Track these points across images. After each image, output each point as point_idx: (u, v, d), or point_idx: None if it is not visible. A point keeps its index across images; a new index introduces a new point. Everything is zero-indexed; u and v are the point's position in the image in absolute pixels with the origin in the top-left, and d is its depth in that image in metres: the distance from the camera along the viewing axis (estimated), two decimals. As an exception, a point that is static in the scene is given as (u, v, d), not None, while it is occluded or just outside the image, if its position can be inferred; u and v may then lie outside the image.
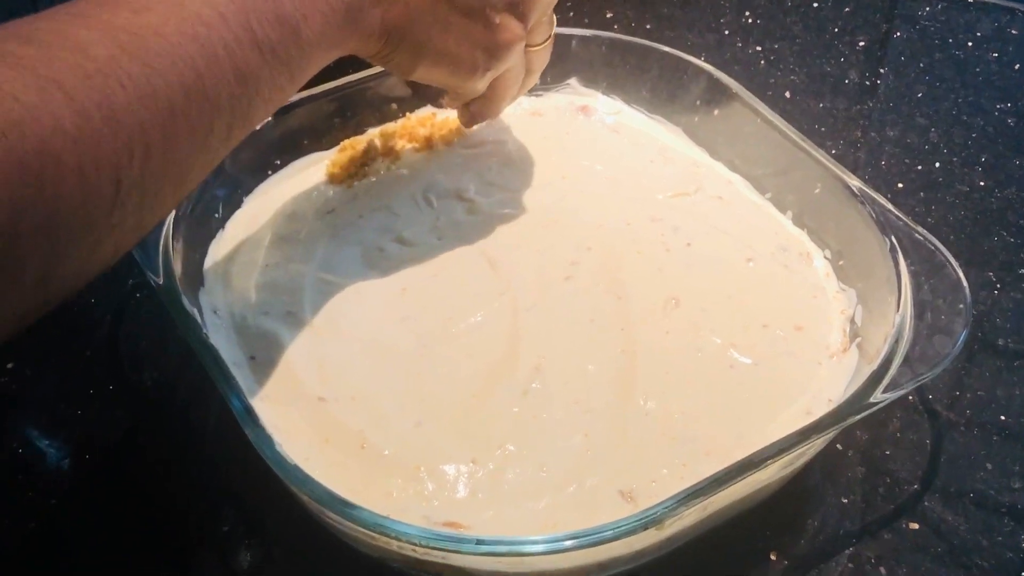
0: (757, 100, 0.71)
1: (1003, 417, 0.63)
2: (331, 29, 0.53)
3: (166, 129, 0.43)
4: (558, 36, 0.78)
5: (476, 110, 0.69)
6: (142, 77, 0.42)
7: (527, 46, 0.66)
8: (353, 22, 0.54)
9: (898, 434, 0.63)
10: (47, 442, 0.62)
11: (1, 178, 0.36)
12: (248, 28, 0.47)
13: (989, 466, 0.61)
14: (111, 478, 0.60)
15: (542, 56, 0.69)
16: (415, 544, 0.48)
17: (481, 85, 0.65)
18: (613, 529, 0.47)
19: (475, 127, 0.74)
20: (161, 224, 0.61)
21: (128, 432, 0.63)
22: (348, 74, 0.73)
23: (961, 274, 0.58)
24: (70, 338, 0.68)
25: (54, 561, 0.57)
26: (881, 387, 0.53)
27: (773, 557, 0.57)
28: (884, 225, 0.62)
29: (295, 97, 0.71)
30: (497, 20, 0.61)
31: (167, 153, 0.44)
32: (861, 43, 0.92)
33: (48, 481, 0.60)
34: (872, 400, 0.53)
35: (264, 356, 0.60)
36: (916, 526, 0.58)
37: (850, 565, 0.56)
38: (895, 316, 0.57)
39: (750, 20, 0.95)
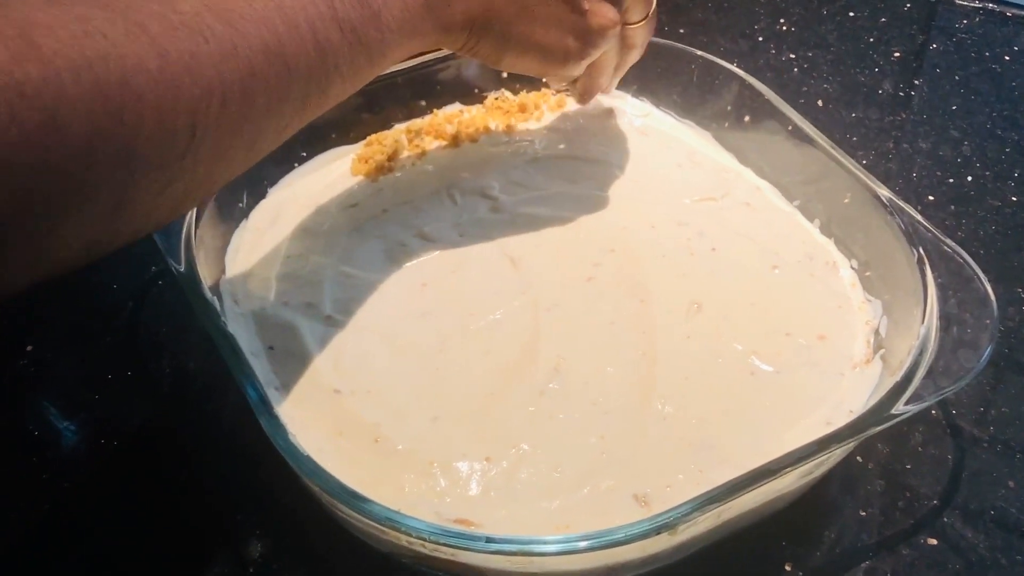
0: (788, 107, 0.70)
1: (1028, 435, 0.62)
2: (411, 17, 0.54)
3: (244, 85, 0.45)
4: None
5: (583, 88, 0.70)
6: (225, 35, 0.44)
7: (625, 24, 0.65)
8: (432, 12, 0.55)
9: (919, 448, 0.62)
10: (64, 425, 0.62)
11: (84, 106, 0.38)
12: (331, 5, 0.49)
13: (1011, 484, 0.59)
14: (126, 463, 0.60)
15: (644, 32, 0.68)
16: (424, 539, 0.47)
17: (576, 71, 0.64)
18: (625, 532, 0.47)
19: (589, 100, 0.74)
20: (183, 215, 0.61)
21: (145, 419, 0.63)
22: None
23: (989, 288, 0.57)
24: (90, 323, 0.68)
25: (66, 543, 0.57)
26: (903, 399, 0.52)
27: (788, 568, 0.56)
28: (913, 237, 0.61)
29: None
30: (587, 5, 0.60)
31: (243, 109, 0.45)
32: (896, 54, 0.91)
33: (63, 464, 0.60)
34: (893, 412, 0.52)
35: (282, 346, 0.60)
36: (935, 542, 0.57)
37: (866, 579, 0.56)
38: (920, 328, 0.56)
39: (784, 27, 0.94)
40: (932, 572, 0.55)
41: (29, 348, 0.66)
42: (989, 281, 0.57)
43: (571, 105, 0.78)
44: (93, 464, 0.60)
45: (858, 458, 0.61)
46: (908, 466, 0.61)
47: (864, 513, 0.59)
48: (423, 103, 0.77)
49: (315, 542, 0.56)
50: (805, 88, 0.88)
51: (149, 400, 0.64)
